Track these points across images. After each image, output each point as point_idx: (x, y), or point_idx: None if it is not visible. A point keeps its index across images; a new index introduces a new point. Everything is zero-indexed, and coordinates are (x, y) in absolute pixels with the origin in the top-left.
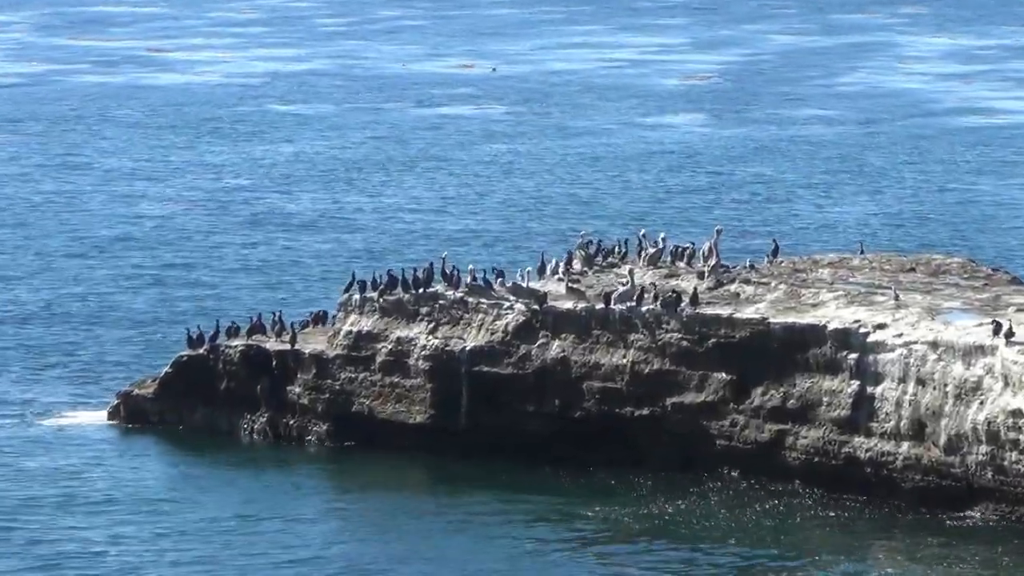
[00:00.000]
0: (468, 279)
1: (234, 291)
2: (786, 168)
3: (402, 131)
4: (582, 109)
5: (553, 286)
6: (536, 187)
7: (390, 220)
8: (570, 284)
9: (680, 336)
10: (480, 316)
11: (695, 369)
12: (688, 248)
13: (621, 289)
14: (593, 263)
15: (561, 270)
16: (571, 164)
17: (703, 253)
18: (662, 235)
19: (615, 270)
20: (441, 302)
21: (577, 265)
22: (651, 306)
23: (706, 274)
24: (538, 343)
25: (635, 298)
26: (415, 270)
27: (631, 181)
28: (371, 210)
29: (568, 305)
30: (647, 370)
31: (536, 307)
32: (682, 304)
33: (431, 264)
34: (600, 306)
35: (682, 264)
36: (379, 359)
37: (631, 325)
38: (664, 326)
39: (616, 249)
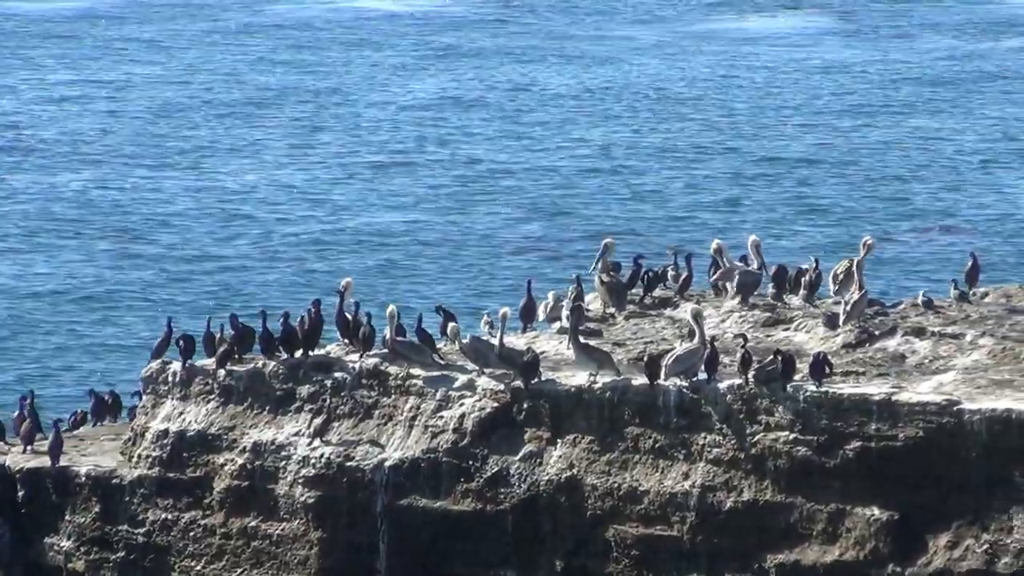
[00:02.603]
0: (388, 332)
1: None
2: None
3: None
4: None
5: (548, 343)
6: (513, 149)
7: (241, 205)
8: (576, 335)
9: (793, 437)
10: (412, 402)
11: (821, 501)
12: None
13: (680, 348)
14: (623, 297)
15: (564, 313)
16: (581, 104)
17: (833, 279)
18: (753, 239)
19: (668, 311)
20: (338, 376)
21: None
22: (736, 380)
23: (842, 318)
24: (522, 452)
25: (706, 364)
26: (286, 316)
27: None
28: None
29: (579, 378)
30: (730, 503)
31: (519, 382)
32: (796, 376)
33: (316, 305)
34: (639, 380)
35: (795, 299)
36: (220, 486)
37: (699, 417)
38: (763, 418)
39: (669, 272)
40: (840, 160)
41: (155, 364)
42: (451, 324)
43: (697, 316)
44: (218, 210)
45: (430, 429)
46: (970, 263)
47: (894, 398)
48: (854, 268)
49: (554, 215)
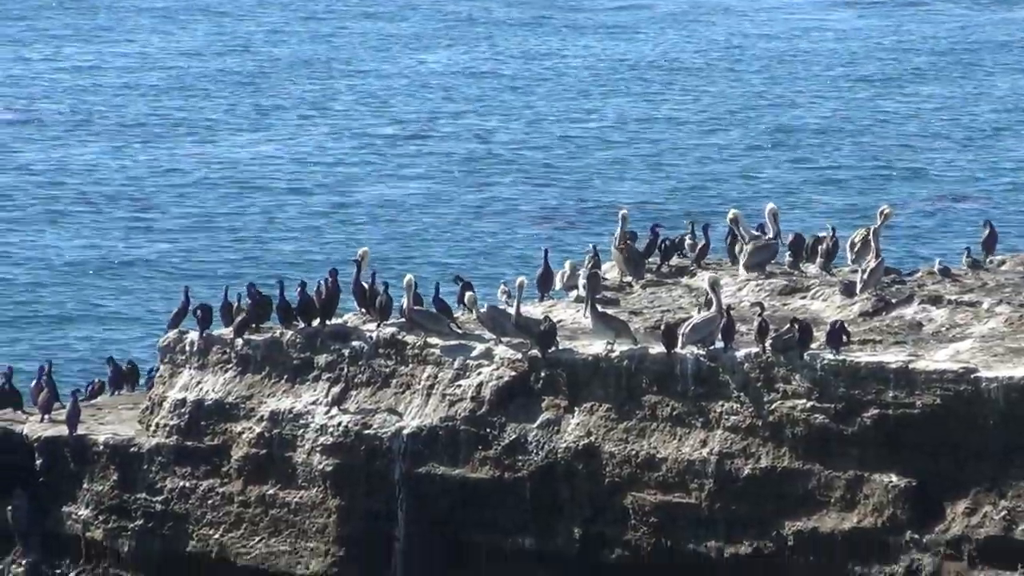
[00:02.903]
0: (406, 301)
1: None
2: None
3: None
4: None
5: (565, 311)
6: (527, 120)
7: (257, 175)
8: (594, 304)
9: (810, 405)
10: (429, 371)
11: (839, 468)
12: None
13: (697, 317)
14: (640, 266)
15: (581, 282)
16: (596, 75)
17: (850, 247)
18: (770, 207)
19: (685, 279)
20: (355, 345)
21: (579, 282)
22: (754, 348)
23: (859, 286)
24: (540, 420)
25: (723, 333)
26: (303, 285)
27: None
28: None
29: (596, 347)
30: (748, 470)
31: (536, 351)
32: (813, 344)
33: (333, 274)
34: (656, 348)
35: (812, 267)
36: (237, 454)
37: (716, 385)
38: (780, 386)
39: (686, 241)
40: (855, 130)
41: (172, 334)
42: (468, 293)
43: (714, 285)
44: (232, 181)
45: (448, 398)
46: (987, 231)
47: (911, 366)
48: (871, 236)
49: (569, 186)
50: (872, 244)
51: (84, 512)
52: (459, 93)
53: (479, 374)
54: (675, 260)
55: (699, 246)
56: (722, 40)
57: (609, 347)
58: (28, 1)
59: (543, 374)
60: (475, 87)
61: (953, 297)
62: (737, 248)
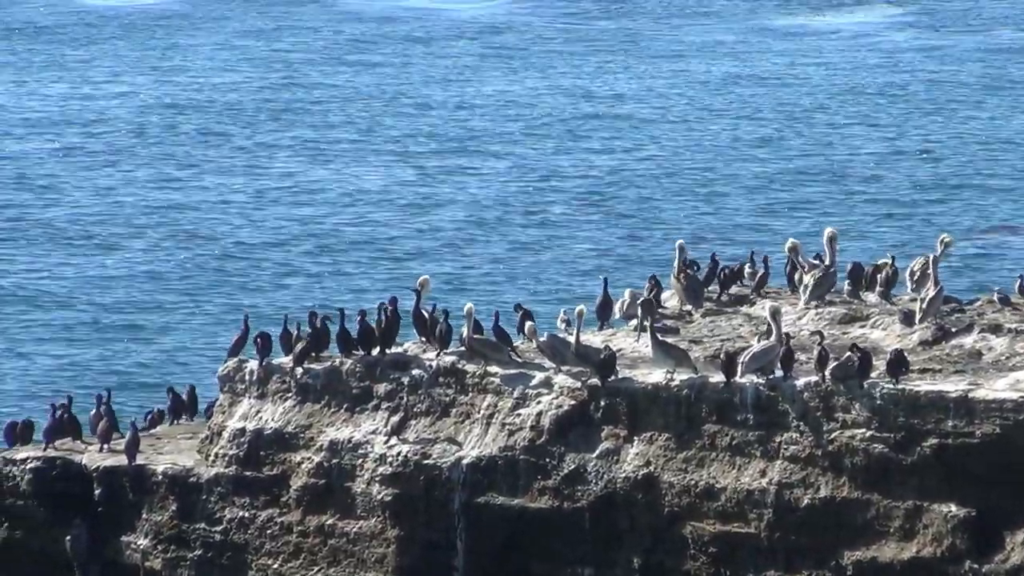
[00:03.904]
0: (465, 330)
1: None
2: None
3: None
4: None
5: (625, 340)
6: (582, 152)
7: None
8: (654, 332)
9: (869, 435)
10: (489, 400)
11: (898, 498)
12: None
13: (756, 346)
14: (700, 295)
15: (640, 312)
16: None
17: (910, 275)
18: (829, 232)
19: (745, 308)
20: (415, 374)
21: (617, 312)
22: (813, 377)
23: (918, 315)
24: (599, 450)
25: (782, 362)
26: (363, 314)
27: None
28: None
29: (656, 375)
30: (807, 500)
31: (596, 380)
32: (873, 373)
33: (393, 303)
34: (716, 377)
35: (871, 296)
36: (296, 484)
37: (776, 414)
38: (839, 415)
39: (746, 269)
40: (909, 157)
41: (232, 362)
42: (528, 322)
43: (775, 313)
44: (285, 209)
45: (507, 427)
46: None
47: (971, 395)
48: (930, 265)
49: (626, 217)
50: (931, 272)
51: (143, 542)
52: (514, 122)
53: (539, 403)
54: (735, 289)
55: (759, 275)
56: (778, 66)
57: (669, 376)
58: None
59: (603, 403)
60: (528, 117)
61: (1013, 325)
62: (797, 277)
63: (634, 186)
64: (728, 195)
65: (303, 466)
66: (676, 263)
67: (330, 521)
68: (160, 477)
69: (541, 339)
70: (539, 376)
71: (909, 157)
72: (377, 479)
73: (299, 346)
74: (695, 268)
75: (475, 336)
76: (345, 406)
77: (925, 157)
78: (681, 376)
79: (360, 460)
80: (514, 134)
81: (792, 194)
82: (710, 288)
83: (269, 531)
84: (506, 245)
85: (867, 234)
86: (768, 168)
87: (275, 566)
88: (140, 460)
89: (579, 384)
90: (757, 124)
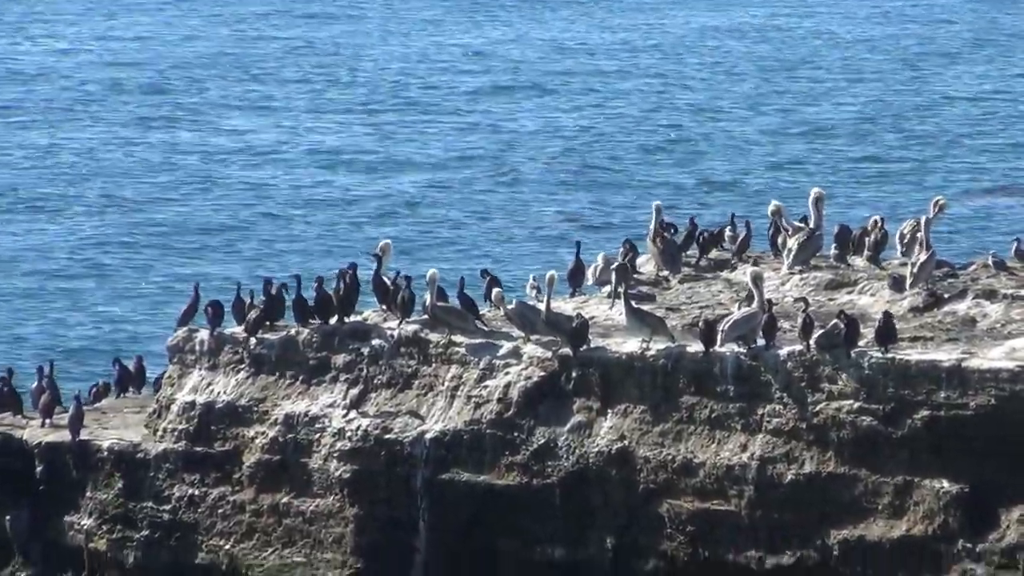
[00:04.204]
0: (429, 297)
1: None
2: None
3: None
4: None
5: (598, 308)
6: (550, 109)
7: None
8: (628, 299)
9: (857, 407)
10: (454, 371)
11: (887, 473)
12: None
13: (737, 313)
14: (677, 260)
15: (613, 278)
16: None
17: (900, 239)
18: (816, 193)
19: (725, 273)
20: (375, 344)
21: (589, 277)
22: (797, 346)
23: (909, 280)
24: (571, 423)
25: (764, 330)
26: (320, 281)
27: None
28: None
29: (631, 345)
30: (790, 475)
31: (567, 350)
32: (860, 341)
33: (352, 269)
34: (694, 346)
35: (859, 260)
36: (250, 460)
37: (758, 385)
38: (825, 386)
39: (726, 233)
40: (899, 117)
41: (181, 332)
42: (495, 289)
43: (756, 279)
44: (238, 171)
45: (473, 400)
46: None
47: (964, 364)
48: (921, 228)
49: (599, 178)
50: (923, 236)
51: (87, 522)
52: (483, 81)
53: (506, 374)
54: (714, 253)
55: (740, 238)
56: (758, 21)
57: (644, 345)
58: None
59: (574, 374)
60: (501, 75)
61: (1009, 291)
62: (780, 240)
63: (607, 145)
64: (706, 154)
65: (257, 441)
66: (652, 226)
67: (285, 499)
68: (105, 453)
69: (509, 307)
70: (507, 346)
71: (900, 114)
72: (335, 455)
73: (252, 314)
74: (672, 231)
75: (439, 304)
76: (301, 378)
77: (916, 114)
78: (657, 345)
79: (317, 435)
80: (479, 91)
81: (775, 153)
82: (688, 252)
83: (220, 510)
84: (472, 207)
85: (855, 195)
86: (749, 126)
87: (227, 547)
88: (84, 436)
89: (549, 354)
90: (736, 79)
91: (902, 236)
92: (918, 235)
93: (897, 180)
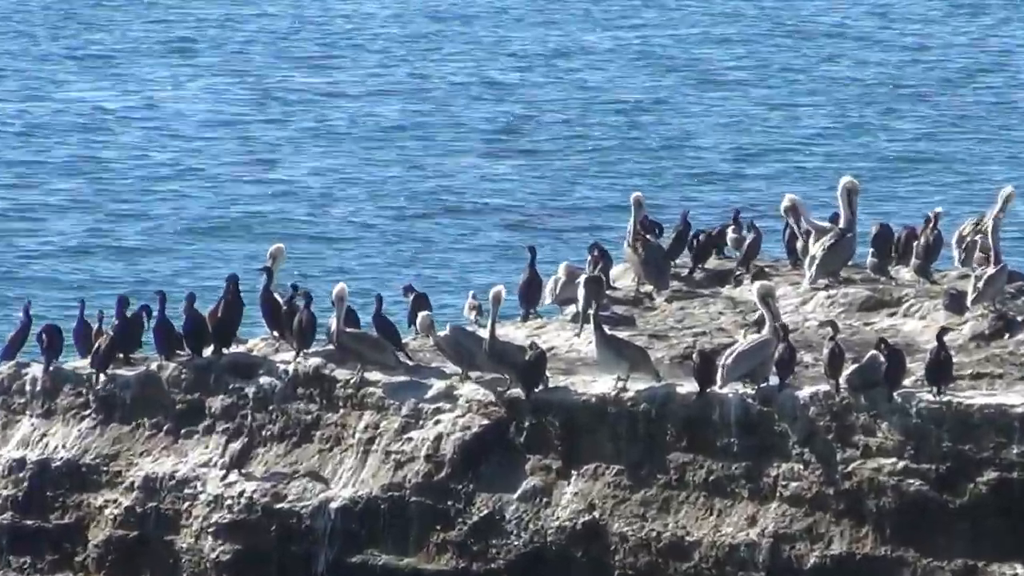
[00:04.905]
0: (335, 321)
1: None
2: None
3: None
4: None
5: (559, 335)
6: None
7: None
8: (600, 324)
9: (903, 466)
10: (368, 419)
11: (943, 555)
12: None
13: (743, 342)
14: (664, 270)
15: (580, 293)
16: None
17: (958, 243)
18: (846, 182)
19: (727, 289)
20: (264, 383)
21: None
22: (823, 386)
23: (971, 297)
24: (522, 489)
25: (778, 364)
26: (191, 299)
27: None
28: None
29: (603, 384)
30: (814, 558)
31: (518, 391)
32: (906, 380)
33: (233, 283)
34: (686, 386)
35: (905, 271)
36: (98, 537)
37: (770, 437)
38: (860, 439)
39: (729, 235)
40: (953, 78)
41: (6, 367)
42: (423, 312)
43: (767, 296)
44: (76, 148)
45: (393, 457)
46: None
47: None
48: (987, 229)
49: (556, 162)
50: (989, 239)
51: None
52: (395, 29)
53: (437, 423)
54: (713, 262)
55: (747, 242)
56: None
57: (620, 385)
58: None
59: (527, 423)
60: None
61: None
62: (799, 245)
63: (566, 121)
64: (701, 134)
65: (107, 512)
66: (631, 225)
67: None
68: None
69: (442, 333)
70: (438, 385)
71: (952, 78)
72: (210, 530)
73: (102, 343)
74: (657, 232)
75: (348, 330)
76: (166, 428)
77: (972, 78)
78: (638, 385)
79: (187, 503)
80: (396, 48)
81: (788, 132)
82: (679, 261)
83: None
84: (392, 203)
85: (895, 186)
86: (751, 96)
87: None
88: None
89: (494, 396)
90: (734, 42)
91: (960, 239)
92: (979, 238)
93: (952, 168)
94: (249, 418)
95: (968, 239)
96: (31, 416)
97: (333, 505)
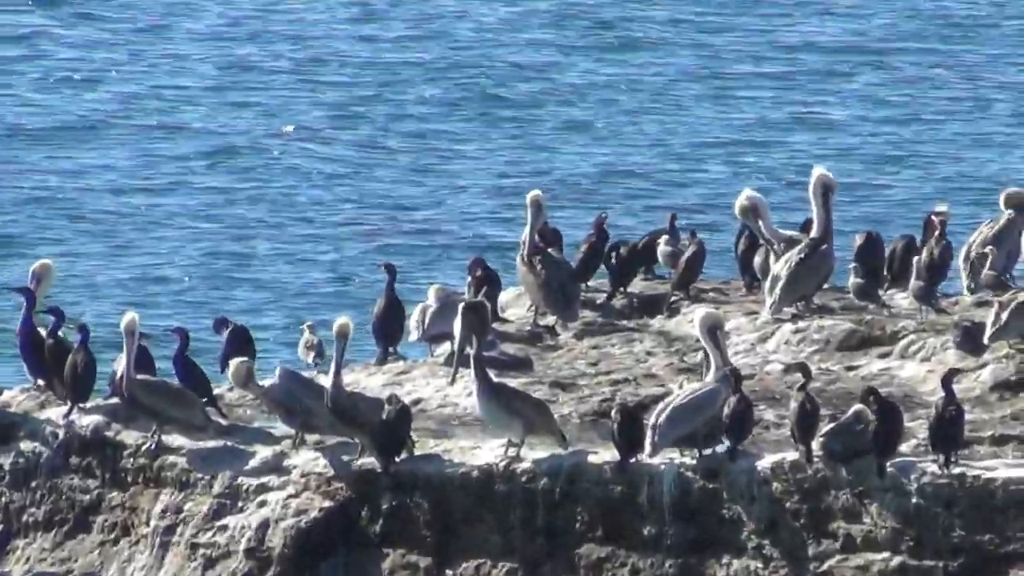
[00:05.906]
0: (121, 366)
1: None
2: None
3: None
4: None
5: (428, 384)
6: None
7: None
8: (483, 368)
9: (899, 563)
10: (167, 501)
11: None
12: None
13: (681, 393)
14: (572, 296)
15: (458, 329)
16: None
17: (964, 257)
18: (820, 175)
19: (658, 321)
20: (26, 449)
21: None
22: (789, 454)
23: (988, 332)
24: None
25: (728, 423)
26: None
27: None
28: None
29: (488, 452)
30: None
31: (373, 459)
32: (904, 445)
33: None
34: (602, 455)
35: (902, 295)
36: None
37: (716, 525)
38: (839, 526)
39: (661, 246)
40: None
41: None
42: (236, 360)
43: (714, 330)
44: None
45: (202, 552)
46: None
47: None
48: (1001, 232)
49: (417, 154)
50: (1008, 247)
51: None
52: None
53: (262, 505)
54: (639, 283)
55: (685, 256)
56: None
57: (513, 452)
58: None
59: (385, 506)
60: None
61: None
62: (757, 261)
63: (431, 103)
64: (624, 129)
65: None
66: (526, 234)
67: None
68: None
69: (268, 382)
70: (263, 453)
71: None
72: None
73: None
74: (558, 244)
75: (141, 377)
76: None
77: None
78: (536, 453)
79: None
80: (216, 36)
81: (742, 113)
82: (591, 283)
83: None
84: (203, 212)
85: (886, 184)
86: (685, 65)
87: None
88: None
89: (339, 469)
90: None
91: (967, 256)
92: (988, 250)
93: (957, 162)
94: (6, 498)
95: (974, 253)
96: None
97: None
